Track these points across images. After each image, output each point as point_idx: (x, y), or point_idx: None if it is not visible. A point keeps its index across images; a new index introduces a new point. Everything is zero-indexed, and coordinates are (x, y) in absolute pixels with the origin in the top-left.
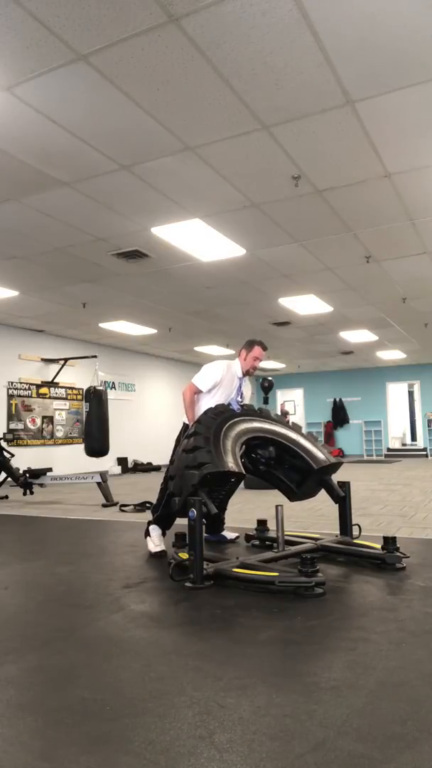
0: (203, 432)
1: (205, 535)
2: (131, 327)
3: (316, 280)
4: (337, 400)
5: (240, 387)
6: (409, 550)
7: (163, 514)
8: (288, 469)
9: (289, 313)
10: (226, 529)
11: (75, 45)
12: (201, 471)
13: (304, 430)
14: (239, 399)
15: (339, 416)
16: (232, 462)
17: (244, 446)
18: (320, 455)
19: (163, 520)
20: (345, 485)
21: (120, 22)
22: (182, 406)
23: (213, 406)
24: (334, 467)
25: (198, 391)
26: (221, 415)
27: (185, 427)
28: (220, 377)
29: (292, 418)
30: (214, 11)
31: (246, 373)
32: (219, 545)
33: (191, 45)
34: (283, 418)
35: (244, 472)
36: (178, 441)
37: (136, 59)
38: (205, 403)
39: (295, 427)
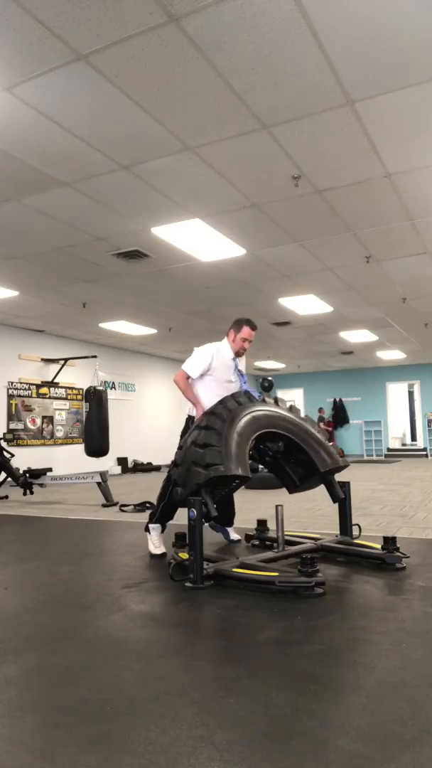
0: (217, 426)
1: (211, 522)
2: (131, 327)
3: (316, 280)
4: (337, 400)
5: (237, 367)
6: (409, 550)
7: (163, 512)
8: (294, 463)
9: (289, 313)
10: (230, 530)
11: (75, 45)
12: (208, 472)
13: None
14: (245, 380)
15: (339, 416)
16: (241, 466)
17: (255, 440)
18: (328, 458)
19: (163, 517)
20: (345, 485)
21: (120, 22)
22: (183, 405)
23: (230, 394)
24: (341, 469)
25: (189, 377)
26: (235, 410)
27: (190, 419)
28: (208, 364)
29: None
30: (214, 11)
31: (236, 355)
32: (219, 545)
33: (191, 45)
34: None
35: (250, 475)
36: (184, 434)
37: (136, 59)
38: (204, 388)
39: (308, 419)
